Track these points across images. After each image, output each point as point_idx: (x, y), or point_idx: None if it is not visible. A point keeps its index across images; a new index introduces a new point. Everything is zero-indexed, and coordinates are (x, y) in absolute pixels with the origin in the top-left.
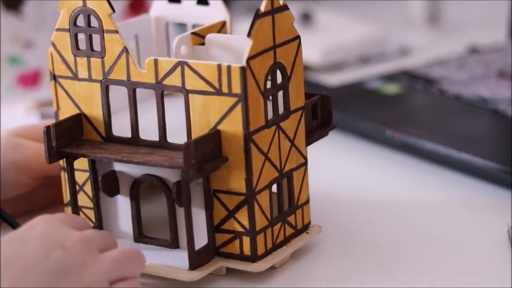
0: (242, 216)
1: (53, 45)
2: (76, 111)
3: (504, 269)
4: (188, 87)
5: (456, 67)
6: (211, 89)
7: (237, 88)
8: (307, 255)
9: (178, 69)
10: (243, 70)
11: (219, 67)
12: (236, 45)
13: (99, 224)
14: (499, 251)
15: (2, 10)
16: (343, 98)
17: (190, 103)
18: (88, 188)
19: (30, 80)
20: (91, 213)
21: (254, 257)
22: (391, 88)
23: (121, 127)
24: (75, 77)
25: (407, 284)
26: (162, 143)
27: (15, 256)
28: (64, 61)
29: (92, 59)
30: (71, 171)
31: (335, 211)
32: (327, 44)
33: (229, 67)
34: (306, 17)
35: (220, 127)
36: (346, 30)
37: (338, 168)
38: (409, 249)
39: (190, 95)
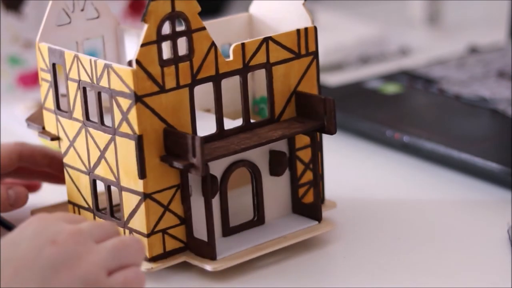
0: (316, 164)
1: (139, 63)
2: (162, 127)
3: (504, 269)
4: (271, 60)
5: (456, 67)
6: (291, 55)
7: (312, 46)
8: (306, 254)
9: (263, 46)
10: (315, 29)
11: (298, 31)
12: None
13: (190, 236)
14: (499, 251)
15: (2, 10)
16: (343, 98)
17: (274, 74)
18: (175, 205)
19: (30, 80)
20: (177, 231)
21: (322, 200)
22: (391, 88)
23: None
24: (162, 90)
25: (406, 283)
26: (247, 125)
27: (8, 257)
28: (151, 76)
29: (180, 65)
30: (186, 182)
31: (334, 211)
32: (327, 44)
33: (306, 29)
34: None
35: (299, 88)
36: (346, 30)
37: (338, 168)
38: (409, 249)
39: (273, 67)
